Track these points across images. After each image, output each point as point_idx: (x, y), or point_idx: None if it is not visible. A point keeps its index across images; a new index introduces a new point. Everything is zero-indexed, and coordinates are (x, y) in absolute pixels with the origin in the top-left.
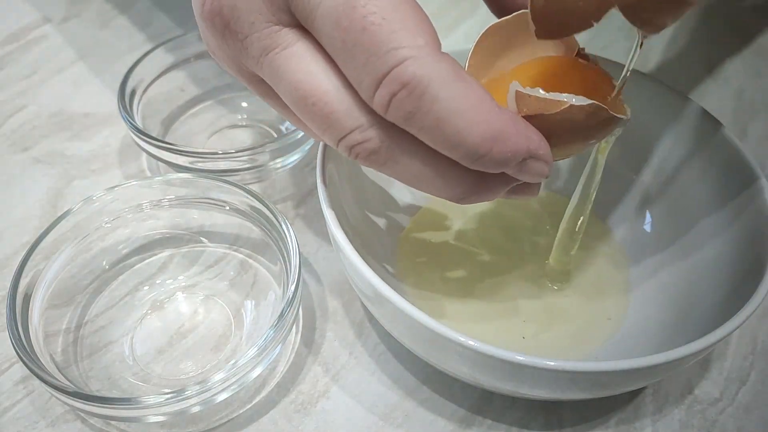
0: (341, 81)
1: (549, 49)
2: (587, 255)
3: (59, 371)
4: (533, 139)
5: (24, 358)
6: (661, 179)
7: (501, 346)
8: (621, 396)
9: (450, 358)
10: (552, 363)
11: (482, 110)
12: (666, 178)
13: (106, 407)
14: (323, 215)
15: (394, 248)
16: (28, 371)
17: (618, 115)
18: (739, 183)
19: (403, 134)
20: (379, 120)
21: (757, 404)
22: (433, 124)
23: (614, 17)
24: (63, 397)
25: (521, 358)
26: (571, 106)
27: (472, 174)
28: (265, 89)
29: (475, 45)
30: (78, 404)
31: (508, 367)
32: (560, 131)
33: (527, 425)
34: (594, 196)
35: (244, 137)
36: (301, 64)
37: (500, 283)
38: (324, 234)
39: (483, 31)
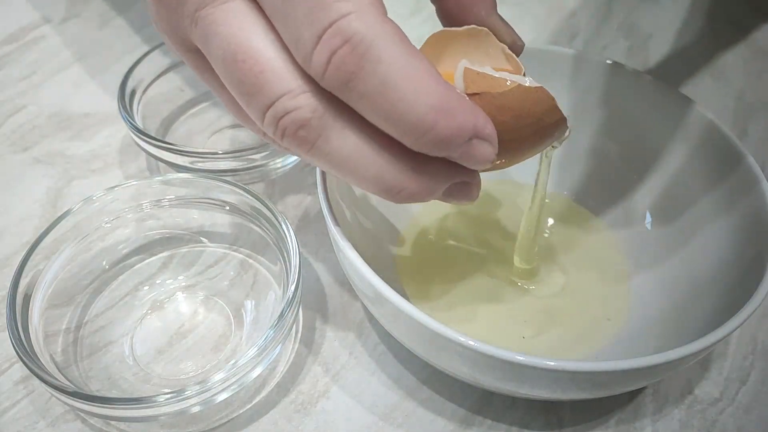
0: (277, 42)
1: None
2: (588, 255)
3: (59, 371)
4: (480, 117)
5: (24, 358)
6: (661, 179)
7: (501, 346)
8: (621, 396)
9: (450, 358)
10: (552, 363)
11: (430, 79)
12: (666, 178)
13: (106, 407)
14: (323, 215)
15: (394, 248)
16: (28, 371)
17: (564, 116)
18: (740, 183)
19: (339, 104)
20: (313, 86)
21: (757, 404)
22: (376, 88)
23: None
24: (63, 397)
25: (521, 358)
26: (519, 86)
27: (411, 159)
28: (201, 62)
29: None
30: (78, 404)
31: (508, 367)
32: (507, 116)
33: (527, 425)
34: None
35: (244, 137)
36: (236, 19)
37: (500, 282)
38: (324, 234)
39: (428, 37)
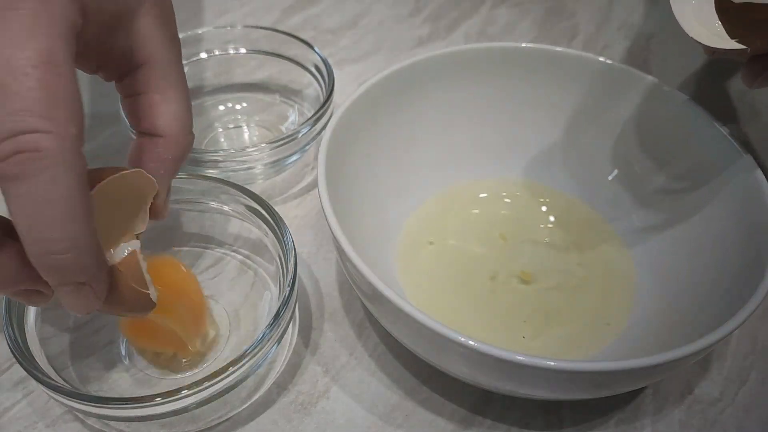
0: None
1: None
2: (589, 256)
3: (56, 372)
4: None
5: (21, 360)
6: (661, 181)
7: (500, 346)
8: (621, 396)
9: (450, 358)
10: (552, 363)
11: (87, 215)
12: (667, 179)
13: (104, 407)
14: (323, 215)
15: (393, 248)
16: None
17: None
18: (740, 184)
19: None
20: None
21: (757, 404)
22: (41, 197)
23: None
24: (60, 398)
25: (521, 358)
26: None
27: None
28: None
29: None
30: (76, 405)
31: (507, 366)
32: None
33: (527, 425)
34: None
35: (244, 137)
36: None
37: (499, 282)
38: (324, 234)
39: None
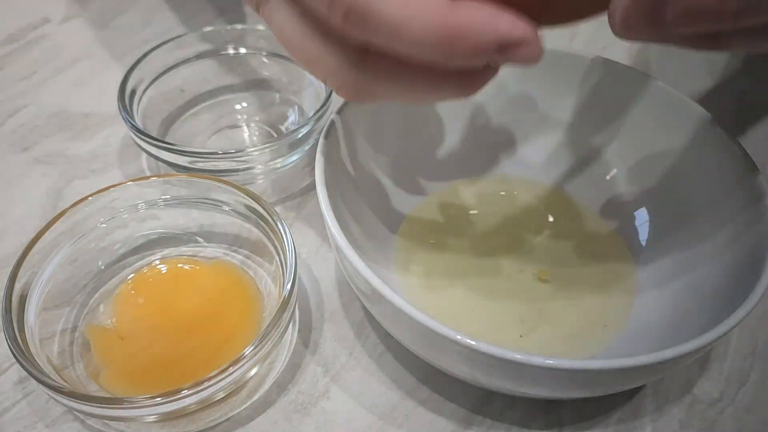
0: (313, 27)
1: None
2: (588, 256)
3: (56, 372)
4: (501, 25)
5: (20, 359)
6: (661, 180)
7: (499, 345)
8: (620, 395)
9: (449, 358)
10: (550, 361)
11: (428, 13)
12: (666, 179)
13: (104, 407)
14: (322, 215)
15: (392, 248)
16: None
17: None
18: (739, 184)
19: (377, 63)
20: (352, 58)
21: (757, 404)
22: (390, 38)
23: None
24: (60, 398)
25: (520, 357)
26: None
27: (454, 72)
28: None
29: None
30: (75, 405)
31: (506, 365)
32: None
33: (527, 425)
34: None
35: (244, 137)
36: (279, 14)
37: (498, 281)
38: (324, 234)
39: None
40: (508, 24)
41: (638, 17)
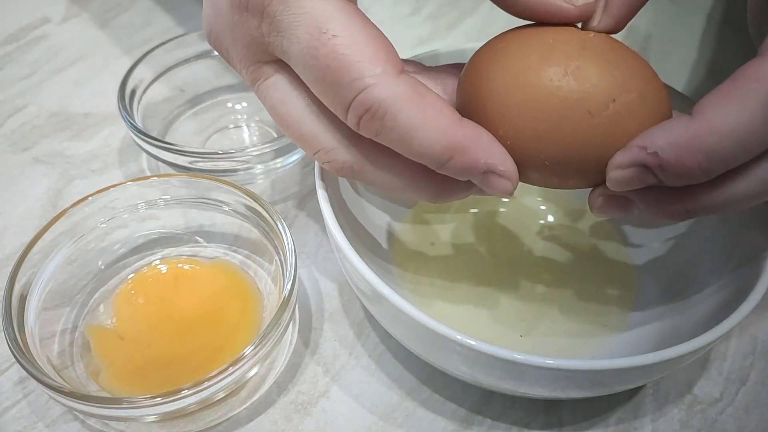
0: (312, 107)
1: None
2: (588, 253)
3: (56, 372)
4: (495, 155)
5: (20, 359)
6: None
7: (499, 345)
8: (621, 395)
9: (449, 358)
10: (550, 361)
11: (440, 123)
12: None
13: (104, 407)
14: (322, 215)
15: (392, 248)
16: (25, 372)
17: None
18: None
19: (370, 150)
20: (346, 141)
21: (757, 404)
22: (399, 138)
23: None
24: (60, 398)
25: (520, 357)
26: None
27: (438, 178)
28: (282, 78)
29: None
30: (75, 405)
31: (506, 365)
32: None
33: (527, 425)
34: None
35: (244, 137)
36: (277, 93)
37: (499, 281)
38: (324, 234)
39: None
40: (501, 155)
41: (611, 209)
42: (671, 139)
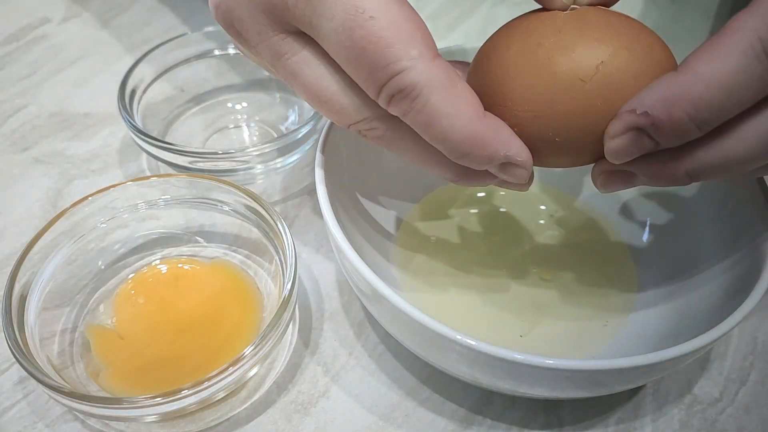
0: (347, 81)
1: None
2: (588, 253)
3: (56, 372)
4: (513, 147)
5: (20, 359)
6: None
7: (499, 345)
8: (621, 395)
9: (449, 358)
10: (550, 361)
11: (466, 116)
12: None
13: (104, 407)
14: (322, 215)
15: (392, 247)
16: (25, 372)
17: None
18: (740, 183)
19: (404, 124)
20: (382, 113)
21: (757, 404)
22: (425, 122)
23: None
24: (60, 398)
25: (520, 357)
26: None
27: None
28: (307, 52)
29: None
30: (75, 405)
31: (506, 365)
32: None
33: (527, 425)
34: None
35: (244, 137)
36: (311, 69)
37: (499, 281)
38: (324, 234)
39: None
40: (519, 147)
41: (615, 184)
42: (658, 95)
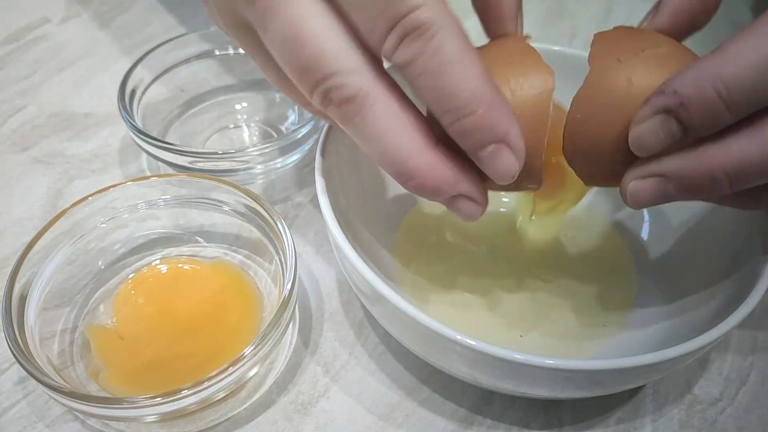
0: (335, 24)
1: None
2: (589, 253)
3: (56, 372)
4: (515, 128)
5: (20, 359)
6: None
7: (499, 345)
8: (620, 395)
9: (449, 358)
10: (550, 361)
11: (480, 72)
12: None
13: (104, 407)
14: (323, 215)
15: (392, 248)
16: (25, 372)
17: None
18: None
19: (383, 88)
20: (362, 68)
21: (757, 404)
22: (434, 68)
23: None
24: (60, 398)
25: (520, 357)
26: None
27: (433, 153)
28: (252, 41)
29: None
30: (75, 405)
31: (506, 365)
32: None
33: (527, 425)
34: None
35: (244, 137)
36: (295, 9)
37: (499, 281)
38: (324, 234)
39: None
40: (518, 132)
41: (645, 192)
42: (689, 75)
